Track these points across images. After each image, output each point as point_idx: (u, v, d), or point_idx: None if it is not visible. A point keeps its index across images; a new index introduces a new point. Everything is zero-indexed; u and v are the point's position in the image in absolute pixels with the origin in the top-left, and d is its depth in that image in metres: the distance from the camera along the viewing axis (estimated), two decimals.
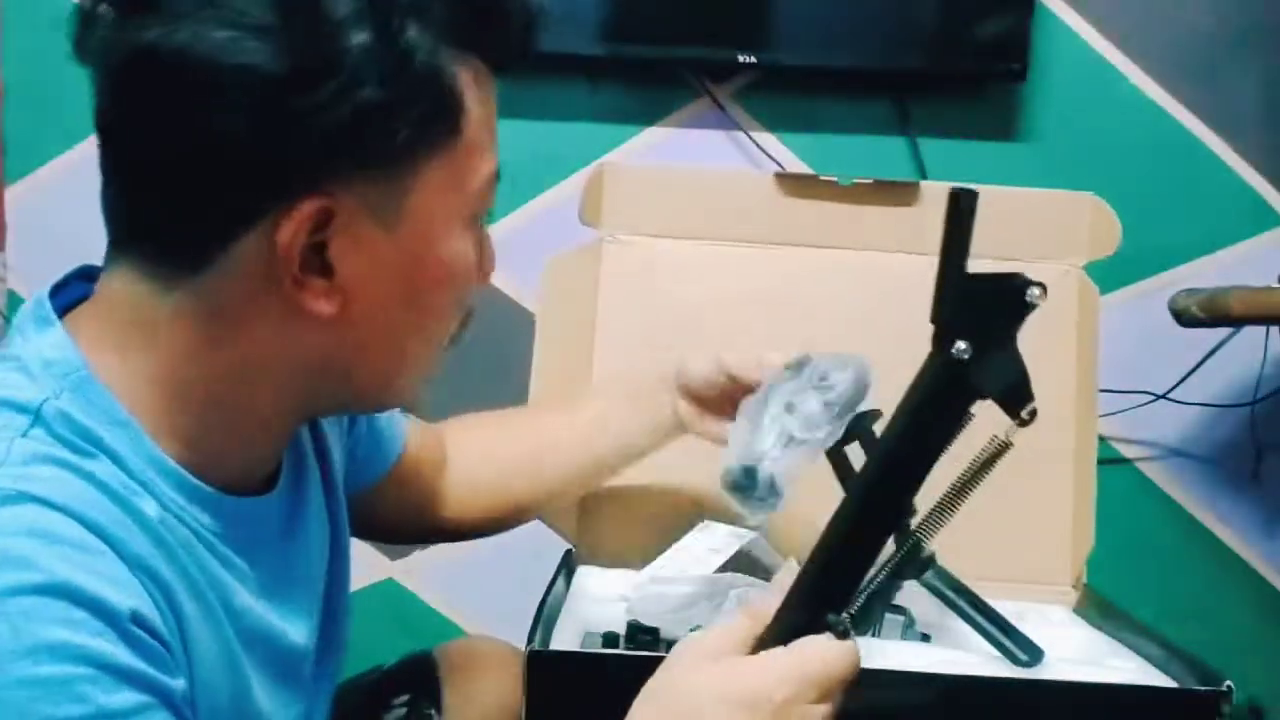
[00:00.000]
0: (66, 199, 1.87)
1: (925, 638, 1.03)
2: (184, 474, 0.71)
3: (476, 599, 1.85)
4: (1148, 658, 0.99)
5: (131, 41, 0.64)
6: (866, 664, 0.69)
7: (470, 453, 1.08)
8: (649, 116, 1.82)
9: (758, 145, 1.80)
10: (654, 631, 0.97)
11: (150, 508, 0.68)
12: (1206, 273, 1.71)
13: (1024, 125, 1.80)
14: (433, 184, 0.69)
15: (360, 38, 0.64)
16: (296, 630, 0.81)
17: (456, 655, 1.09)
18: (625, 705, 0.69)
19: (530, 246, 1.80)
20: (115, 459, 0.67)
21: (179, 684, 0.65)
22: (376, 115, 0.65)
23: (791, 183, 1.21)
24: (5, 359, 0.70)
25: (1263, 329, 1.73)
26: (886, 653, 0.95)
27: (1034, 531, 1.16)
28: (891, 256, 1.18)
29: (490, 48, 0.72)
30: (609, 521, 1.18)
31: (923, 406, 0.67)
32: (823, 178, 1.22)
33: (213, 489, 0.72)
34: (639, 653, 0.93)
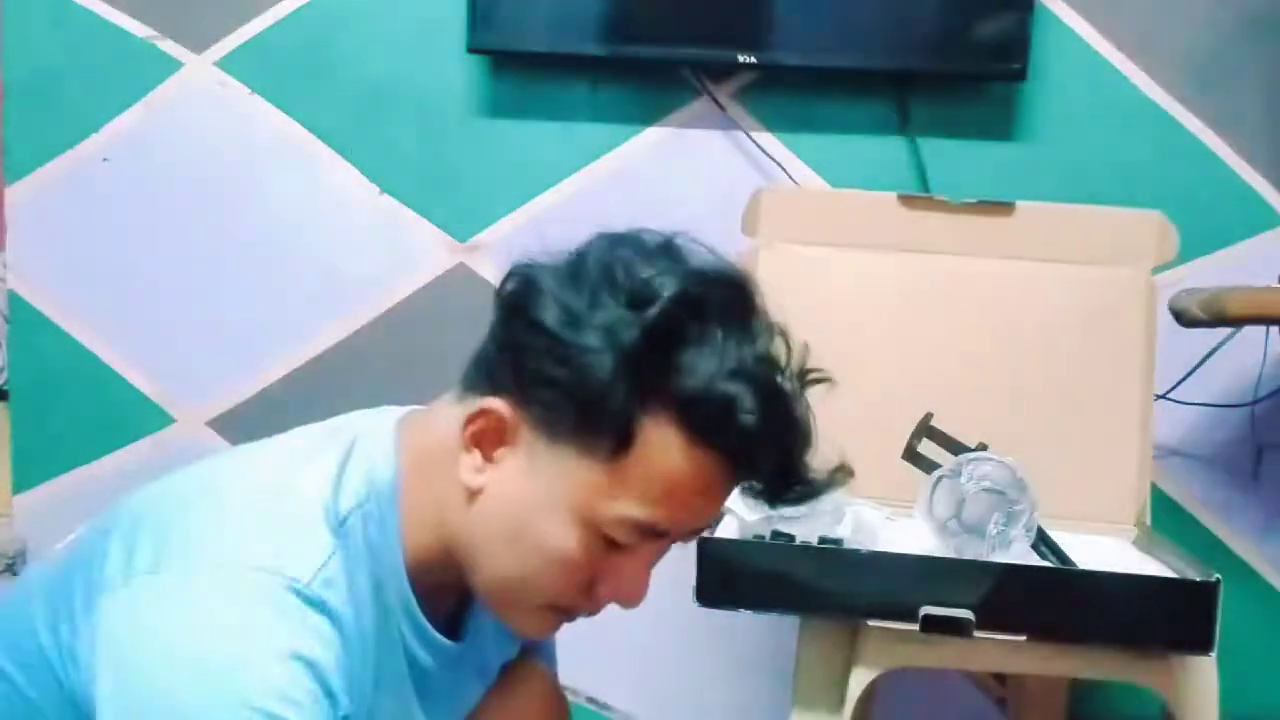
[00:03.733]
0: (66, 199, 1.87)
1: None
2: (409, 591, 0.89)
3: None
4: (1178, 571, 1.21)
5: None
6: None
7: None
8: (649, 116, 1.82)
9: (758, 145, 1.80)
10: (791, 536, 1.21)
11: (378, 615, 0.87)
12: (1206, 273, 1.71)
13: (1024, 125, 1.80)
14: (573, 475, 0.83)
15: (584, 339, 0.81)
16: None
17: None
18: (766, 583, 1.09)
19: (530, 246, 1.80)
20: (377, 580, 0.87)
21: None
22: (553, 392, 0.82)
23: (911, 201, 1.51)
24: (345, 456, 0.89)
25: (1263, 329, 1.72)
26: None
27: (1103, 478, 1.41)
28: (989, 262, 1.47)
29: (723, 457, 0.83)
30: None
31: None
32: (936, 197, 1.53)
33: (424, 610, 0.91)
34: (777, 542, 1.21)
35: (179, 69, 1.86)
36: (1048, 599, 1.15)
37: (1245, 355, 1.76)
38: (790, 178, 1.80)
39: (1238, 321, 1.60)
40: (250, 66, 1.85)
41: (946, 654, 1.17)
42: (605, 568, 0.86)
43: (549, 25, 1.75)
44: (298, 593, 0.79)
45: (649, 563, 0.88)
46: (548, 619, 0.91)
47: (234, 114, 1.86)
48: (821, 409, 1.42)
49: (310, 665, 0.77)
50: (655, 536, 0.86)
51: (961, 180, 1.76)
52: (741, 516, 1.23)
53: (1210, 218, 1.76)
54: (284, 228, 1.86)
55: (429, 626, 0.92)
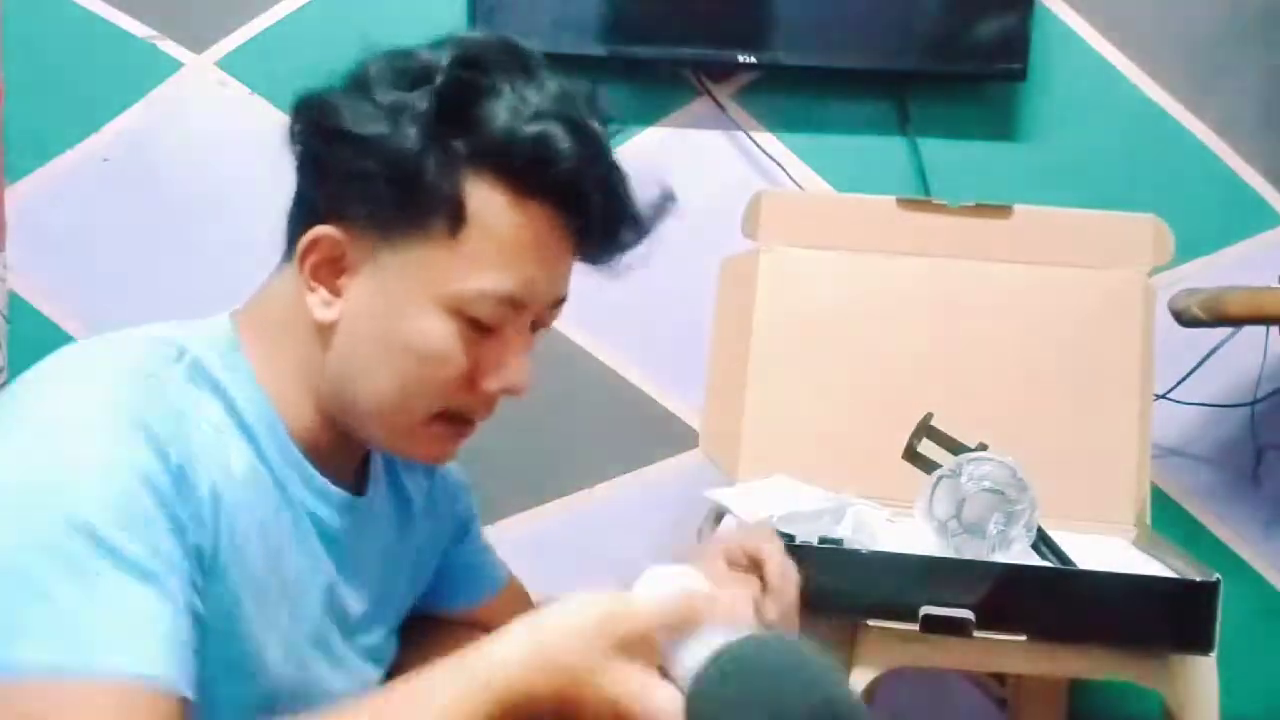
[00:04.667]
0: (66, 199, 1.87)
1: None
2: (289, 442, 0.86)
3: None
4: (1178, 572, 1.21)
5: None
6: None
7: None
8: (649, 116, 1.82)
9: (758, 145, 1.80)
10: (790, 536, 1.18)
11: (241, 448, 0.83)
12: (1206, 273, 1.71)
13: (1024, 125, 1.80)
14: (422, 265, 0.83)
15: (379, 124, 0.82)
16: (357, 599, 0.93)
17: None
18: None
19: None
20: (230, 406, 0.83)
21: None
22: (375, 190, 0.82)
23: (909, 204, 1.52)
24: (191, 322, 0.88)
25: (1263, 329, 1.73)
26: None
27: (1103, 478, 1.42)
28: (987, 264, 1.48)
29: (552, 205, 0.84)
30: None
31: None
32: (934, 200, 1.53)
33: (308, 459, 0.87)
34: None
35: (179, 69, 1.86)
36: (1048, 599, 1.15)
37: (1245, 355, 1.76)
38: (790, 178, 1.80)
39: (1238, 321, 1.60)
40: (250, 66, 1.85)
41: (946, 654, 1.17)
42: (483, 360, 0.85)
43: (549, 25, 1.75)
44: (142, 374, 0.80)
45: (523, 346, 0.87)
46: (444, 435, 0.88)
47: (234, 114, 1.86)
48: (822, 409, 1.46)
49: (146, 478, 0.74)
50: (516, 310, 0.85)
51: (961, 180, 1.76)
52: (741, 517, 1.23)
53: (1210, 218, 1.76)
54: (284, 227, 1.86)
55: (316, 472, 0.87)
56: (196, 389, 0.82)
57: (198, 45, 1.86)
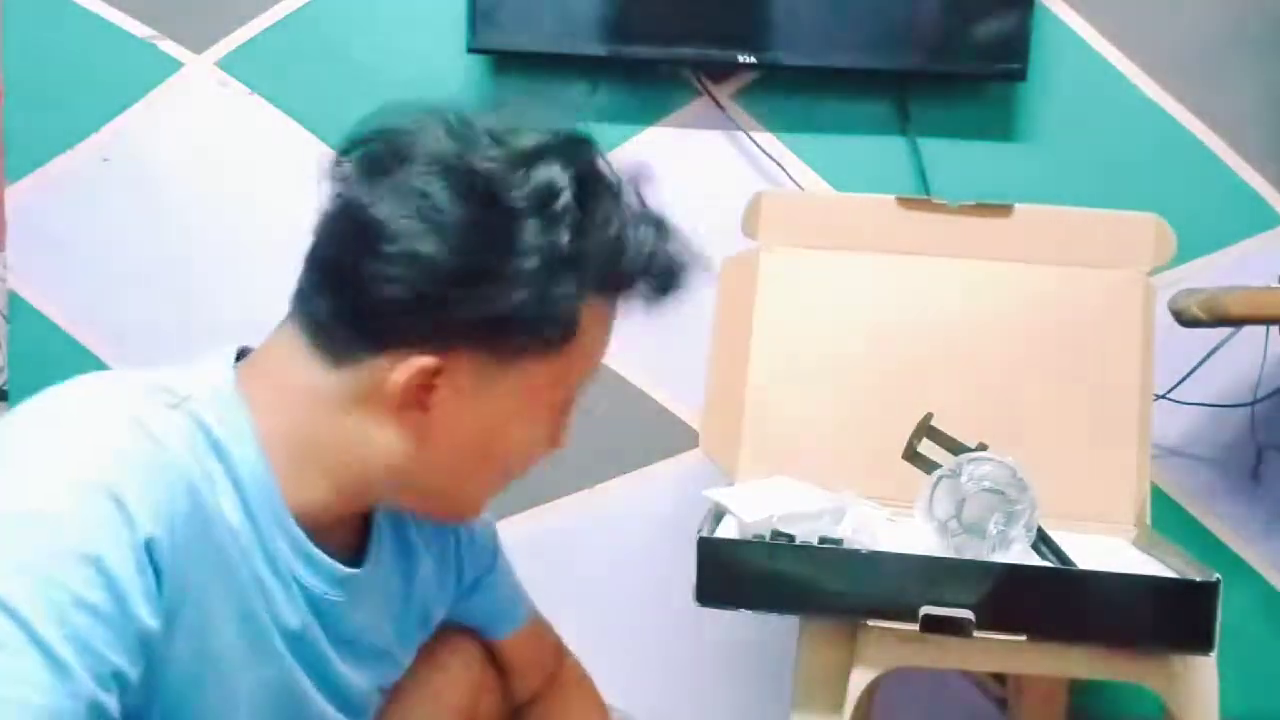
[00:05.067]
0: (66, 199, 1.88)
1: None
2: (284, 509, 0.84)
3: None
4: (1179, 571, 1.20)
5: (349, 194, 0.82)
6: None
7: None
8: (649, 116, 1.82)
9: (758, 145, 1.80)
10: (791, 536, 1.20)
11: (231, 507, 0.80)
12: (1206, 273, 1.71)
13: (1024, 125, 1.80)
14: (530, 378, 0.84)
15: (526, 265, 0.80)
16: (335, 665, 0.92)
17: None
18: (766, 583, 1.10)
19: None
20: (228, 466, 0.80)
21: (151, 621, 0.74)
22: (509, 326, 0.81)
23: (909, 203, 1.52)
24: (191, 370, 0.85)
25: (1263, 329, 1.73)
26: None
27: (1103, 478, 1.42)
28: (988, 264, 1.48)
29: (624, 295, 0.87)
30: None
31: None
32: (934, 199, 1.53)
33: (303, 530, 0.85)
34: (777, 542, 1.20)
35: (179, 69, 1.86)
36: (1048, 599, 1.15)
37: (1245, 355, 1.76)
38: (790, 178, 1.80)
39: (1238, 321, 1.60)
40: (250, 66, 1.85)
41: (946, 654, 1.17)
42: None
43: (549, 25, 1.75)
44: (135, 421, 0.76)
45: (572, 409, 0.91)
46: (495, 493, 0.93)
47: (234, 114, 1.86)
48: (822, 409, 1.47)
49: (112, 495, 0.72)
50: None
51: (961, 180, 1.76)
52: (741, 517, 1.23)
53: (1209, 218, 1.76)
54: (284, 228, 1.86)
55: (310, 544, 0.86)
56: (192, 441, 0.79)
57: (198, 45, 1.86)
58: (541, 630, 1.18)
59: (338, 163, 0.84)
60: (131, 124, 1.87)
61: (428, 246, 0.78)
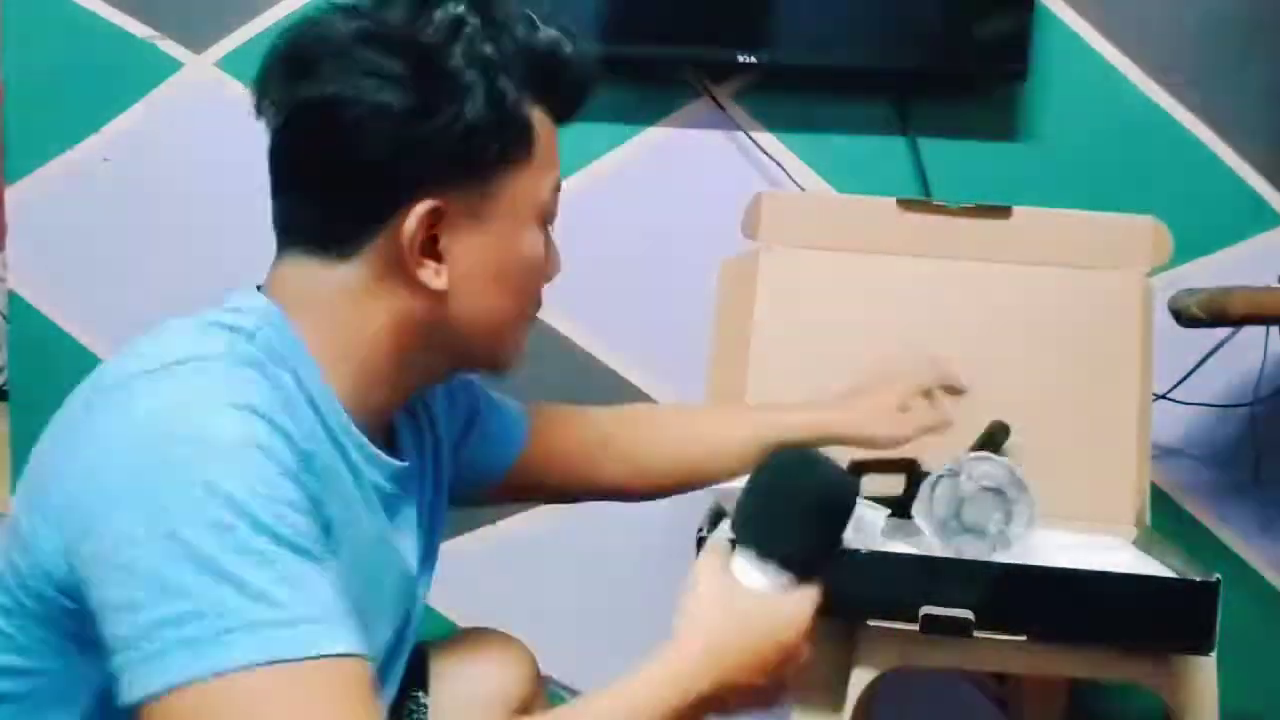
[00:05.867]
0: (66, 199, 1.88)
1: None
2: (344, 413, 0.89)
3: (472, 598, 1.85)
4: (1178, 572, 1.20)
5: (295, 97, 0.88)
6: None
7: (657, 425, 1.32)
8: (649, 116, 1.82)
9: (758, 145, 1.80)
10: None
11: (317, 425, 0.86)
12: (1206, 273, 1.71)
13: (1024, 125, 1.80)
14: (513, 191, 0.91)
15: (469, 79, 0.87)
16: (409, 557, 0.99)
17: (448, 645, 1.17)
18: None
19: None
20: (299, 381, 0.85)
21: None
22: (477, 137, 0.87)
23: (909, 204, 1.53)
24: (224, 308, 0.89)
25: (1263, 329, 1.73)
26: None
27: (1103, 478, 1.43)
28: (987, 265, 1.49)
29: (553, 102, 0.95)
30: None
31: None
32: (934, 201, 1.54)
33: (363, 432, 0.90)
34: None
35: (179, 69, 1.87)
36: (1048, 599, 1.15)
37: (1245, 355, 1.76)
38: (790, 178, 1.80)
39: (1238, 321, 1.60)
40: (250, 66, 1.83)
41: (946, 654, 1.18)
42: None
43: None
44: (225, 355, 0.81)
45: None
46: (525, 334, 0.99)
47: (234, 114, 1.85)
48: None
49: (263, 419, 0.77)
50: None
51: (961, 180, 1.76)
52: None
53: (1210, 218, 1.76)
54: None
55: (371, 446, 0.92)
56: (274, 368, 0.84)
57: (198, 45, 1.86)
58: (542, 409, 1.22)
59: (262, 94, 0.90)
60: (131, 124, 1.87)
61: (385, 96, 0.85)
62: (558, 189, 0.96)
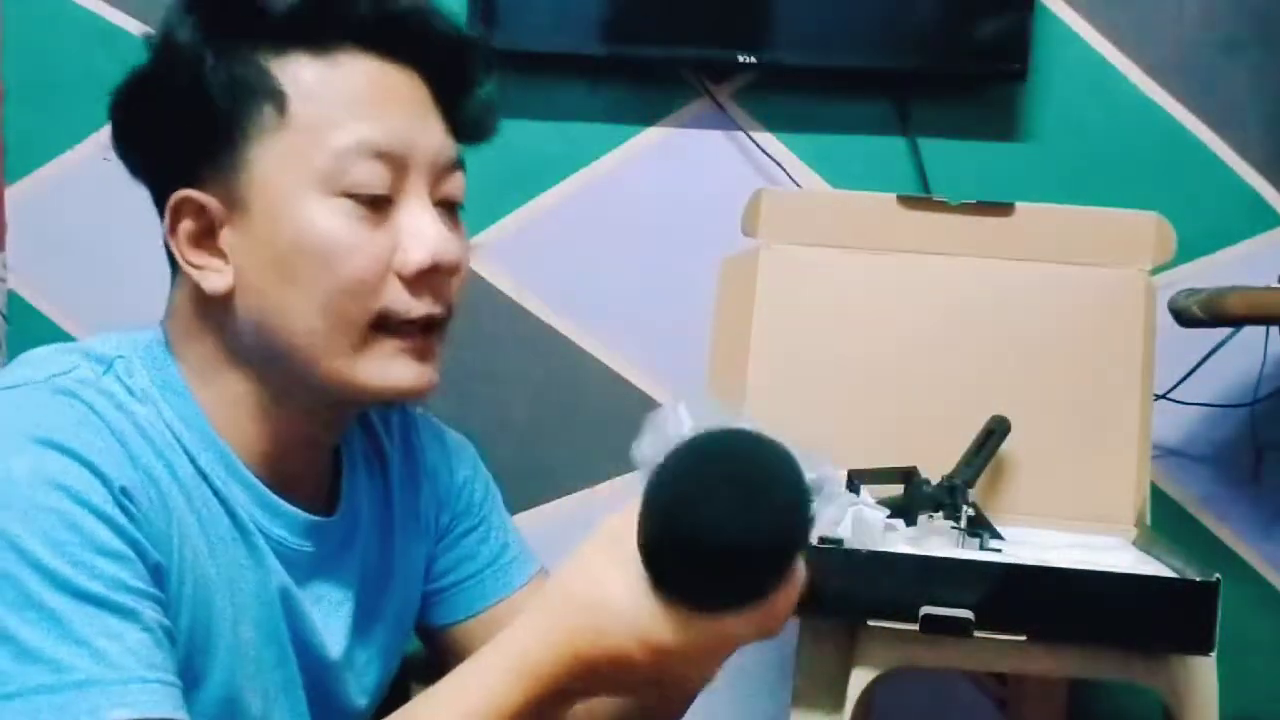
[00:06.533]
0: (66, 199, 1.87)
1: None
2: (228, 452, 0.81)
3: None
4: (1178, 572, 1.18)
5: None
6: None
7: None
8: (649, 116, 1.82)
9: (758, 145, 1.80)
10: None
11: (180, 462, 0.79)
12: (1206, 273, 1.71)
13: (1024, 125, 1.80)
14: (265, 165, 0.79)
15: (183, 37, 0.81)
16: (324, 628, 0.88)
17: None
18: None
19: (530, 246, 1.80)
20: (159, 413, 0.79)
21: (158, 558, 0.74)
22: (193, 118, 0.80)
23: (910, 201, 1.51)
24: (112, 334, 0.86)
25: (1263, 329, 1.73)
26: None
27: (1103, 478, 1.40)
28: (988, 263, 1.47)
29: (322, 39, 0.80)
30: None
31: None
32: (935, 198, 1.52)
33: (261, 481, 0.83)
34: None
35: None
36: (1048, 599, 1.15)
37: (1245, 355, 1.76)
38: (790, 178, 1.80)
39: (1238, 321, 1.60)
40: None
41: (946, 654, 1.17)
42: (395, 239, 0.80)
43: (549, 25, 1.75)
44: (54, 384, 0.76)
45: (432, 216, 0.81)
46: (400, 351, 0.81)
47: None
48: (822, 408, 1.46)
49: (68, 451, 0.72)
50: (396, 169, 0.80)
51: (961, 180, 1.76)
52: None
53: (1210, 218, 1.76)
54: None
55: (269, 491, 0.82)
56: (129, 403, 0.78)
57: None
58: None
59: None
60: None
61: (131, 82, 0.84)
62: (369, 150, 0.79)
